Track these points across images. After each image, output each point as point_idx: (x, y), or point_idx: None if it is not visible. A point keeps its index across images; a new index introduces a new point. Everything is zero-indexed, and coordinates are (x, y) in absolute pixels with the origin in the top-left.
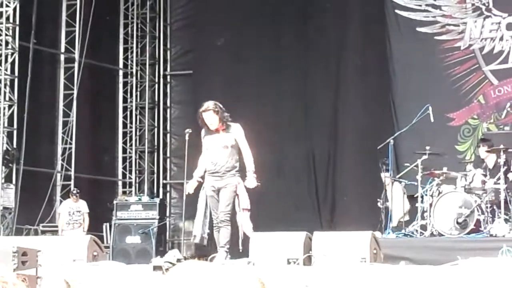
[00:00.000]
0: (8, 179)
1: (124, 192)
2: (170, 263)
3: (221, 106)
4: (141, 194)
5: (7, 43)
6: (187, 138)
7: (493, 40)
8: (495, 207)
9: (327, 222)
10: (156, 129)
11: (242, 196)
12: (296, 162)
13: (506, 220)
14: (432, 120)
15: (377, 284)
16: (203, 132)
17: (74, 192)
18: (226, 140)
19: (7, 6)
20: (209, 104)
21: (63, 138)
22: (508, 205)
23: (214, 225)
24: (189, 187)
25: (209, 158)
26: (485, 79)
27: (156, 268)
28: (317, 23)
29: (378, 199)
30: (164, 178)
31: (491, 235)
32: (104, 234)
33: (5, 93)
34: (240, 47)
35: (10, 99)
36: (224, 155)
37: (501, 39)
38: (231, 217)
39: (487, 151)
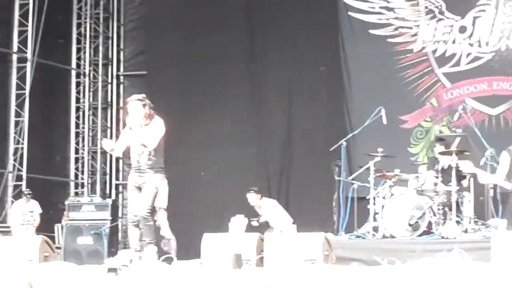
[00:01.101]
0: None
1: (76, 193)
2: (124, 264)
3: (149, 102)
4: (93, 195)
5: None
6: None
7: (446, 43)
8: (446, 209)
9: None
10: (109, 130)
11: (162, 194)
12: (248, 164)
13: (457, 222)
14: (385, 122)
15: (328, 285)
16: (127, 124)
17: (26, 192)
18: (147, 137)
19: None
20: (138, 96)
21: (15, 138)
22: (460, 207)
23: (130, 222)
24: (106, 142)
25: (132, 154)
26: (437, 82)
27: (111, 270)
28: (269, 25)
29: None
30: (117, 179)
31: (442, 237)
32: (56, 234)
33: None
34: (193, 48)
35: None
36: (145, 152)
37: (454, 42)
38: (151, 213)
39: (442, 152)
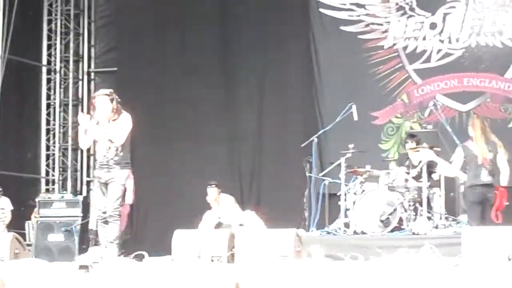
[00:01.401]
0: None
1: (47, 190)
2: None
3: (117, 97)
4: (64, 192)
5: None
6: None
7: (417, 39)
8: (417, 205)
9: None
10: (79, 126)
11: (128, 190)
12: (220, 161)
13: (428, 218)
14: (356, 118)
15: (299, 281)
16: (94, 116)
17: None
18: (115, 133)
19: None
20: (105, 91)
21: None
22: (431, 203)
23: (99, 219)
24: (82, 116)
25: (98, 150)
26: (408, 78)
27: (82, 267)
28: (241, 21)
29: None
30: (88, 175)
31: (413, 233)
32: (26, 231)
33: None
34: (164, 44)
35: None
36: (113, 148)
37: (424, 38)
38: (119, 212)
39: (412, 148)
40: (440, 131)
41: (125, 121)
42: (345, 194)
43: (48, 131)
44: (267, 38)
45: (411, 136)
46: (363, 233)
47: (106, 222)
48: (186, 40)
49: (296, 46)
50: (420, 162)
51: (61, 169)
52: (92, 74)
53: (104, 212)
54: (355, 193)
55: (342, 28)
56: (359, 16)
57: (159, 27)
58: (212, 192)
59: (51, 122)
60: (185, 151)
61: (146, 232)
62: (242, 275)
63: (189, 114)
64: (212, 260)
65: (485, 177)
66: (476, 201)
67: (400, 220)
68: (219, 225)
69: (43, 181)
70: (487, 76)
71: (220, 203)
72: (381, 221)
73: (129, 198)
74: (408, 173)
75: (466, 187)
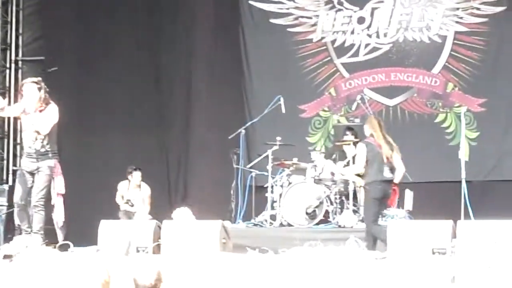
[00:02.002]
0: None
1: None
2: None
3: (45, 86)
4: None
5: None
6: None
7: (345, 33)
8: (344, 198)
9: None
10: None
11: (58, 180)
12: (147, 151)
13: (354, 211)
14: (283, 111)
15: (224, 273)
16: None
17: None
18: (41, 123)
19: None
20: (34, 79)
21: None
22: (357, 196)
23: (16, 206)
24: None
25: (25, 139)
26: (336, 72)
27: (6, 256)
28: (171, 11)
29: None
30: (14, 164)
31: (339, 226)
32: None
33: None
34: (92, 33)
35: None
36: (39, 138)
37: (352, 32)
38: (45, 202)
39: (337, 141)
40: None
41: (52, 112)
42: (272, 187)
43: None
44: (197, 28)
45: (349, 129)
46: (289, 225)
47: (24, 210)
48: (113, 29)
49: (226, 38)
50: (355, 155)
51: None
52: (20, 62)
53: (21, 200)
54: (282, 186)
55: (272, 20)
56: (288, 9)
57: (86, 15)
58: (138, 176)
59: None
60: (112, 140)
61: (71, 223)
62: (166, 266)
63: (117, 103)
64: (138, 251)
65: (388, 174)
66: (378, 197)
67: (326, 213)
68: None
69: None
70: (414, 71)
71: (142, 189)
72: (308, 213)
73: (61, 188)
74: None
75: (368, 182)
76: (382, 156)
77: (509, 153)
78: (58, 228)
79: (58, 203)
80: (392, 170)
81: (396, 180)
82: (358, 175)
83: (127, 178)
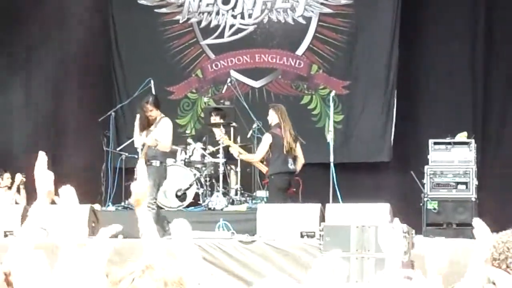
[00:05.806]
0: None
1: None
2: None
3: None
4: None
5: None
6: None
7: (210, 14)
8: (214, 181)
9: None
10: None
11: None
12: (17, 134)
13: (224, 194)
14: (153, 93)
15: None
16: None
17: None
18: None
19: None
20: None
21: None
22: (227, 178)
23: None
24: None
25: None
26: (202, 53)
27: None
28: None
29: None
30: None
31: (209, 209)
32: None
33: None
34: None
35: None
36: None
37: (218, 13)
38: None
39: (210, 124)
40: (237, 107)
41: None
42: None
43: None
44: (66, 11)
45: (216, 110)
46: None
47: None
48: None
49: (96, 19)
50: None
51: None
52: None
53: None
54: None
55: (140, 1)
56: None
57: None
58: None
59: None
60: None
61: None
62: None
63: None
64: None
65: (292, 165)
66: (283, 187)
67: (197, 195)
68: None
69: None
70: (278, 53)
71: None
72: (177, 196)
73: None
74: (204, 148)
75: (274, 173)
76: (287, 148)
77: (362, 135)
78: None
79: None
80: (295, 161)
81: (297, 171)
82: (261, 161)
83: None
